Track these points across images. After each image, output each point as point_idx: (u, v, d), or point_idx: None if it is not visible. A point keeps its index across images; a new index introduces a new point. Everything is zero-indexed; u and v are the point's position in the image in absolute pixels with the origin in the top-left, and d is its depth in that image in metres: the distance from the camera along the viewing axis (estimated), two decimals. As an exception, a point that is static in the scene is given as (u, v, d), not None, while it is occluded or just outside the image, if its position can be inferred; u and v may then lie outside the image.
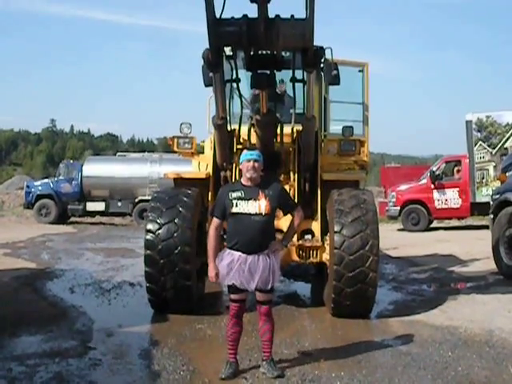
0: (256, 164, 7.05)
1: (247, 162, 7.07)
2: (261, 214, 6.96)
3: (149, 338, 8.99)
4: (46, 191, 34.58)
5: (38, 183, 36.36)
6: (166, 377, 7.04)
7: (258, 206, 6.96)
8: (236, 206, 7.01)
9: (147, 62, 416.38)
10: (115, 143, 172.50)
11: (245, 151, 7.34)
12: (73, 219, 35.34)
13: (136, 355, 7.98)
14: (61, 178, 35.00)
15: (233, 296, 7.14)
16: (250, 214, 6.97)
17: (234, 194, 7.06)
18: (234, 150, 11.09)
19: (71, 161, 43.71)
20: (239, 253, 6.97)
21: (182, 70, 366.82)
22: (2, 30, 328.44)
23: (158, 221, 9.85)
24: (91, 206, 34.41)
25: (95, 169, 34.43)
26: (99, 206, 34.38)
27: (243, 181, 7.22)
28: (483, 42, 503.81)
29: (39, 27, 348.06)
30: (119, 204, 34.13)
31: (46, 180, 37.53)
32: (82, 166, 35.47)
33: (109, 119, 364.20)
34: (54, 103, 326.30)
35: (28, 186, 35.63)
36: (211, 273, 7.09)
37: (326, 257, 10.45)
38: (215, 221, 7.24)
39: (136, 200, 33.51)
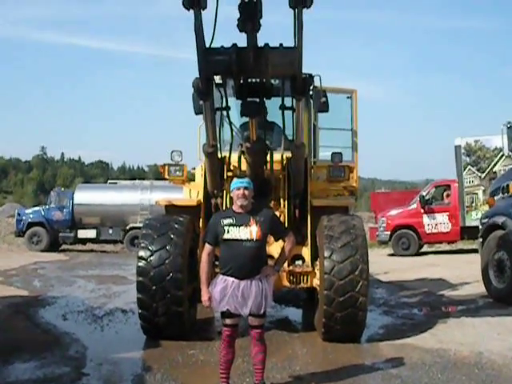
0: (246, 192, 7.14)
1: (237, 190, 7.16)
2: (252, 239, 7.03)
3: (141, 363, 9.02)
4: (38, 219, 34.64)
5: (29, 211, 36.38)
6: (160, 402, 7.11)
7: (250, 232, 7.03)
8: (228, 232, 7.09)
9: (137, 90, 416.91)
10: (106, 170, 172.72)
11: (235, 179, 7.43)
12: (64, 247, 35.30)
13: (129, 381, 8.05)
14: (52, 205, 35.03)
15: (226, 321, 7.19)
16: (241, 240, 7.04)
17: (226, 221, 7.14)
18: (225, 177, 11.18)
19: (62, 189, 43.76)
20: (232, 278, 7.03)
21: (170, 97, 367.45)
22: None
23: (150, 248, 9.93)
24: (82, 234, 34.51)
25: (86, 196, 34.47)
26: (90, 234, 34.46)
27: (234, 208, 7.30)
28: (471, 66, 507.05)
29: (28, 55, 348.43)
30: (110, 231, 34.23)
31: (37, 208, 37.51)
32: (73, 193, 35.58)
33: (99, 146, 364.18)
34: (45, 131, 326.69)
35: (19, 214, 35.71)
36: (204, 297, 7.16)
37: (316, 282, 10.52)
38: (207, 247, 7.31)
39: (127, 227, 33.63)
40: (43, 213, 34.95)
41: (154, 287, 9.77)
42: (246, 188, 7.16)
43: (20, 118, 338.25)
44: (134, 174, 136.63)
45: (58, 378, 8.07)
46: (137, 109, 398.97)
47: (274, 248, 9.86)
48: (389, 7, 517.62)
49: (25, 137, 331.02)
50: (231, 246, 7.09)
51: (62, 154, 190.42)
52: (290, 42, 7.46)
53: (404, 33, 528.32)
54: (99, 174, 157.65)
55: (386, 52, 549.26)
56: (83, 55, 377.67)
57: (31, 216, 35.06)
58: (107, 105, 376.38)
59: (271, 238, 7.72)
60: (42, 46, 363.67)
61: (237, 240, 7.06)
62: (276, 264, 7.53)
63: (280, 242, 7.73)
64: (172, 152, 11.84)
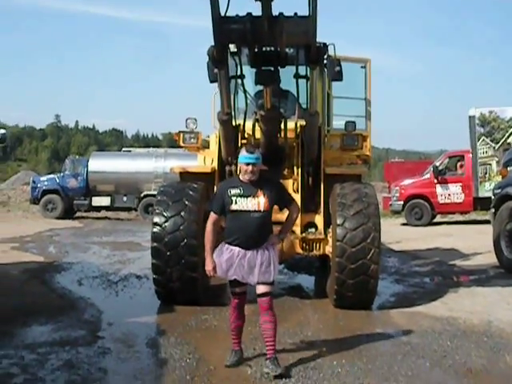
0: (254, 168, 7.03)
1: (245, 166, 7.06)
2: (259, 210, 7.01)
3: (155, 327, 9.22)
4: (52, 186, 34.82)
5: (44, 179, 36.56)
6: (173, 364, 7.26)
7: (258, 203, 6.99)
8: (235, 203, 7.04)
9: (151, 58, 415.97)
10: (120, 139, 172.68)
11: (243, 151, 7.20)
12: (78, 214, 35.52)
13: (143, 344, 8.21)
14: (67, 173, 35.19)
15: (234, 289, 7.25)
16: (248, 211, 7.01)
17: (233, 191, 7.08)
18: (239, 144, 11.22)
19: (77, 156, 43.97)
20: (238, 248, 7.03)
21: (185, 65, 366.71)
22: (4, 26, 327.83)
23: (165, 214, 10.07)
24: (97, 201, 34.65)
25: (101, 164, 34.60)
26: (105, 201, 34.61)
27: (241, 177, 7.23)
28: (487, 38, 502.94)
29: (42, 23, 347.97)
30: (125, 199, 34.37)
31: (51, 175, 37.67)
32: (87, 161, 35.69)
33: (113, 114, 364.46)
34: (59, 99, 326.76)
35: (34, 182, 35.84)
36: (208, 267, 7.16)
37: (328, 249, 10.67)
38: (213, 216, 7.26)
39: (141, 195, 33.78)
40: (58, 180, 35.12)
41: (168, 253, 9.93)
42: (254, 164, 7.03)
43: (34, 87, 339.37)
44: (148, 142, 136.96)
45: (74, 340, 8.23)
46: (151, 77, 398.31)
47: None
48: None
49: (39, 105, 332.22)
50: (238, 217, 7.05)
51: (77, 122, 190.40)
52: (304, 11, 7.51)
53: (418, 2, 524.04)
54: (113, 142, 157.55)
55: (399, 21, 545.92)
56: (97, 23, 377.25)
57: (46, 183, 35.22)
58: (121, 73, 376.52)
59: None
60: (56, 14, 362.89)
61: (244, 211, 7.02)
62: (281, 233, 7.55)
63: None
64: (187, 120, 11.92)
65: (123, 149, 43.62)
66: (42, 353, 7.59)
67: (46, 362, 7.26)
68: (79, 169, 35.06)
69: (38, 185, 35.18)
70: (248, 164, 7.02)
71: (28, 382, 6.59)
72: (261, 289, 7.11)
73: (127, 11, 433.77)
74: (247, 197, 7.01)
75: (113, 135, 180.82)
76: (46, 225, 28.70)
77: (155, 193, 31.71)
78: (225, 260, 7.05)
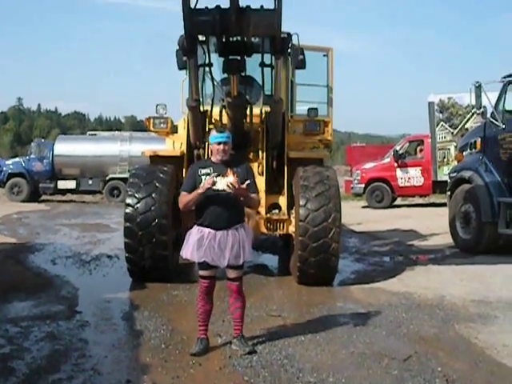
0: (225, 147, 7.11)
1: (217, 145, 7.11)
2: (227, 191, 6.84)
3: (129, 303, 9.73)
4: (18, 170, 35.10)
5: (9, 162, 36.80)
6: (148, 335, 7.77)
7: (226, 181, 6.80)
8: (204, 181, 7.01)
9: (114, 41, 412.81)
10: (83, 122, 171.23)
11: (213, 132, 7.28)
12: (44, 197, 35.79)
13: (119, 317, 8.72)
14: (32, 156, 35.41)
15: (203, 272, 7.17)
16: (217, 190, 6.88)
17: (203, 171, 7.11)
18: (207, 129, 11.63)
19: (42, 140, 43.95)
20: (208, 229, 6.99)
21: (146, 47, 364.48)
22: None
23: (137, 195, 10.54)
24: (62, 184, 35.01)
25: (66, 148, 34.91)
26: (70, 184, 34.98)
27: (213, 158, 7.29)
28: (447, 21, 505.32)
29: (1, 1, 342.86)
30: (90, 182, 34.76)
31: (17, 159, 37.88)
32: (53, 144, 35.89)
33: (76, 97, 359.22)
34: (21, 82, 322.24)
35: (-1, 165, 36.06)
36: (206, 184, 6.89)
37: (292, 229, 11.19)
38: (183, 194, 7.16)
39: (107, 178, 34.19)
40: (23, 164, 35.36)
41: (140, 232, 10.40)
42: (225, 143, 7.11)
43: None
44: (110, 126, 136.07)
45: (54, 314, 8.71)
46: (113, 60, 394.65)
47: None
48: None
49: (1, 88, 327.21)
50: (207, 196, 6.95)
51: (39, 105, 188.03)
52: (270, 4, 7.90)
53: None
54: (76, 125, 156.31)
55: (362, 6, 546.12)
56: (59, 4, 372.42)
57: (12, 167, 35.48)
58: (84, 56, 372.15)
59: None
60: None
61: (213, 190, 6.91)
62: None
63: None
64: (157, 105, 12.37)
65: (88, 132, 43.78)
66: (24, 326, 8.05)
67: (30, 334, 7.72)
68: (45, 152, 35.28)
69: (4, 168, 35.40)
70: (219, 143, 7.10)
71: (15, 351, 7.04)
72: (232, 273, 7.19)
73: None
74: (216, 176, 6.92)
75: (75, 118, 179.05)
76: (12, 208, 28.93)
77: (120, 176, 32.44)
78: (195, 241, 7.00)
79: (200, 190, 6.92)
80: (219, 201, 6.98)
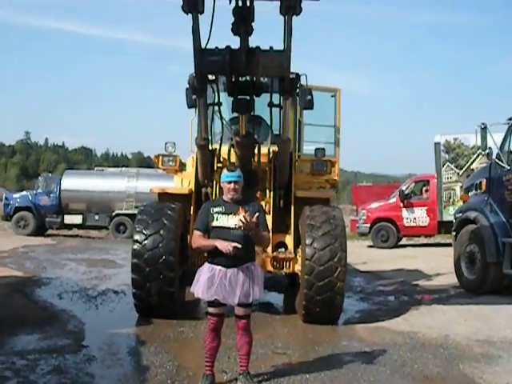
0: (237, 186, 7.21)
1: (228, 184, 7.21)
2: (240, 227, 6.95)
3: (136, 338, 9.74)
4: (25, 203, 35.06)
5: (16, 195, 36.83)
6: (155, 370, 7.83)
7: (238, 220, 6.94)
8: (217, 219, 7.12)
9: (124, 77, 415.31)
10: (89, 157, 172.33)
11: (225, 171, 7.37)
12: (50, 232, 35.72)
13: (125, 352, 8.77)
14: (39, 190, 35.42)
15: (212, 310, 7.21)
16: (229, 228, 7.02)
17: (216, 209, 7.20)
18: (215, 168, 11.83)
19: (50, 174, 44.12)
20: (219, 267, 7.04)
21: (156, 86, 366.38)
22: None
23: (145, 232, 10.63)
24: (69, 219, 34.94)
25: (73, 183, 34.96)
26: (77, 219, 34.92)
27: (224, 197, 7.36)
28: (455, 63, 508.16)
29: (13, 39, 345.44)
30: (96, 217, 34.71)
31: (24, 192, 37.91)
32: (60, 179, 35.98)
33: (83, 132, 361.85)
34: (29, 116, 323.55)
35: (7, 198, 36.14)
36: (225, 246, 6.95)
37: (298, 268, 11.25)
38: (197, 233, 7.26)
39: (113, 214, 34.17)
40: (30, 197, 35.33)
41: (147, 268, 10.46)
42: (236, 182, 7.20)
43: (4, 103, 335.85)
44: (117, 161, 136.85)
45: (61, 348, 8.76)
46: (123, 96, 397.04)
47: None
48: (376, 1, 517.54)
49: (9, 121, 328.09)
50: (219, 234, 7.06)
51: (46, 139, 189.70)
52: (279, 45, 8.03)
53: (390, 27, 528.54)
54: (83, 160, 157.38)
55: (371, 46, 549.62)
56: (69, 41, 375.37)
57: (19, 200, 35.47)
58: (92, 92, 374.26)
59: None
60: (28, 30, 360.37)
61: (225, 228, 7.05)
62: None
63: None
64: (166, 143, 12.55)
65: (96, 168, 43.94)
66: (31, 359, 8.10)
67: (36, 367, 7.77)
68: (52, 186, 35.32)
69: (11, 202, 35.42)
70: (230, 182, 7.20)
71: None
72: (240, 311, 7.25)
73: (103, 29, 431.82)
74: (228, 214, 7.09)
75: (82, 153, 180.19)
76: (19, 241, 28.85)
77: (127, 212, 32.56)
78: (206, 279, 7.06)
79: (218, 245, 6.98)
80: (230, 238, 7.02)
